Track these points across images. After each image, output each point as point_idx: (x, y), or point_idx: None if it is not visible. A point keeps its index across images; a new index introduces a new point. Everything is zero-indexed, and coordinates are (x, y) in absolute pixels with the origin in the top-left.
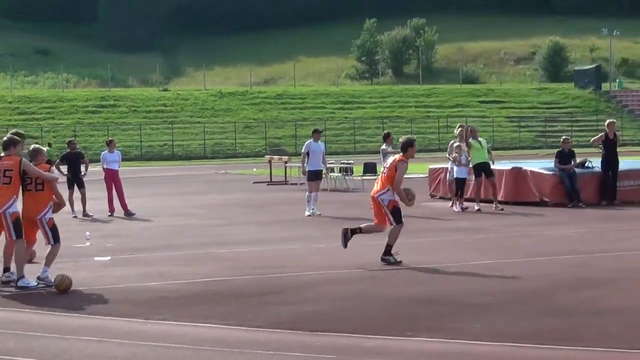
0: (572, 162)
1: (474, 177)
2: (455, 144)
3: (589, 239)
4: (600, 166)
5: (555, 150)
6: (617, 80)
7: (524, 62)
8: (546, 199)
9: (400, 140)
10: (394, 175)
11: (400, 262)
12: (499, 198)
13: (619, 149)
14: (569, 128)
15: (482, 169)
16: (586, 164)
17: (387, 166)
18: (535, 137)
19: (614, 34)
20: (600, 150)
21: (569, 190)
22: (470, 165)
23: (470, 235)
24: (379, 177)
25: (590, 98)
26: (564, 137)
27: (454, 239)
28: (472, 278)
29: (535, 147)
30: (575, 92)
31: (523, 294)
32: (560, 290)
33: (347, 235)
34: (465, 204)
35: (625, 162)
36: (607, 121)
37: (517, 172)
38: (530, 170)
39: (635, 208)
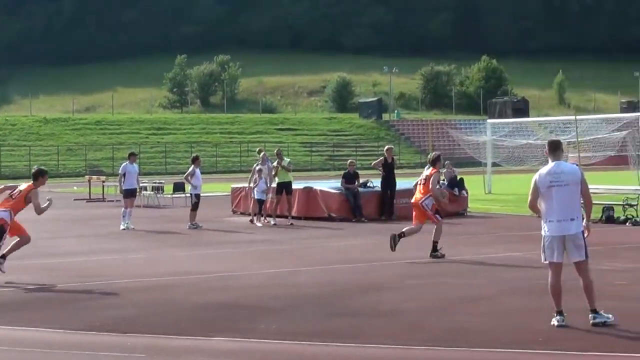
0: (356, 182)
1: (273, 194)
2: (257, 168)
3: (371, 249)
4: (380, 186)
5: (342, 172)
6: (396, 111)
7: (315, 94)
8: (333, 215)
9: (430, 156)
10: None
11: (444, 255)
12: (293, 213)
13: (396, 171)
14: (354, 152)
15: (285, 187)
16: (368, 184)
17: (424, 179)
18: (325, 160)
19: (394, 71)
20: (381, 172)
21: (353, 206)
22: (274, 185)
23: (266, 246)
24: (417, 188)
25: (373, 127)
26: (349, 160)
27: (252, 249)
28: (267, 284)
29: (325, 169)
30: (360, 121)
31: (313, 298)
32: (346, 294)
33: (395, 239)
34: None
35: (401, 183)
36: (386, 147)
37: (308, 191)
38: (320, 190)
39: (410, 222)
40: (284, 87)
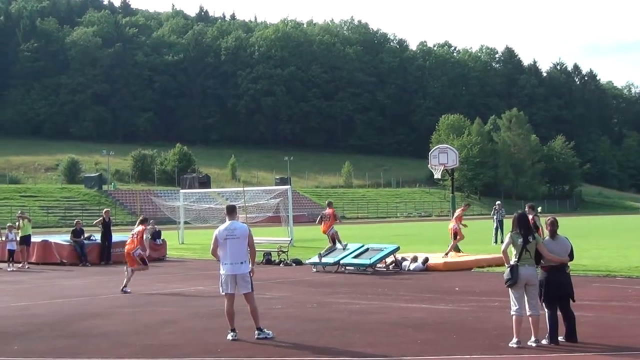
0: (82, 236)
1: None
2: (9, 224)
3: (93, 287)
4: (99, 239)
5: (71, 228)
6: (113, 183)
7: (51, 170)
8: (65, 261)
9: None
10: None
11: None
12: (32, 260)
13: (112, 228)
14: (81, 214)
15: (29, 240)
16: (91, 238)
17: (454, 218)
18: (58, 220)
19: (110, 154)
20: (100, 229)
21: (79, 254)
22: (18, 238)
23: (12, 285)
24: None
25: (96, 195)
26: (76, 220)
27: (1, 288)
28: (13, 314)
29: (59, 227)
30: (86, 190)
31: (48, 324)
32: (72, 320)
33: None
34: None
35: (116, 236)
36: (104, 209)
37: (44, 243)
38: (54, 242)
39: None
40: (26, 165)
